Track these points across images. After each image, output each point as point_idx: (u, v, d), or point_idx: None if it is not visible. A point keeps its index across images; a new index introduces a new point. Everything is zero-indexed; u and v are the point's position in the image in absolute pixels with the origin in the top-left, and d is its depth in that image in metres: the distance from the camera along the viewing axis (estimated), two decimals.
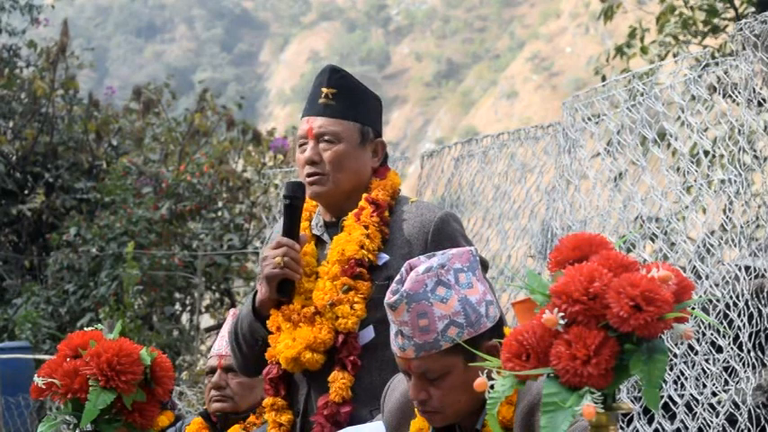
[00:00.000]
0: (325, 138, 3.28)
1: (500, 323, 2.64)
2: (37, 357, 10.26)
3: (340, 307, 3.19)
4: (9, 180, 13.83)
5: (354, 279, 3.21)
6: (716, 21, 10.00)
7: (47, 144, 14.01)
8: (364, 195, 3.30)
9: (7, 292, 13.28)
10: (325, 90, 3.31)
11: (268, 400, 3.33)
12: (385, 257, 3.24)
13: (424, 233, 3.24)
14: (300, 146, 3.34)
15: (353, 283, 3.20)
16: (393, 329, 2.61)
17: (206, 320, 13.21)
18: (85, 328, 3.18)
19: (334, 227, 3.34)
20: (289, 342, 3.22)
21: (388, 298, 2.60)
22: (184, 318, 12.99)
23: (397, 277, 2.63)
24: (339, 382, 3.18)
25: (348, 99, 3.31)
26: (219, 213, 12.91)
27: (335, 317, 3.20)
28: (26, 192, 13.99)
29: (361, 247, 3.21)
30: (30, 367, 9.86)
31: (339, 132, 3.28)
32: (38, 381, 3.01)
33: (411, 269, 2.63)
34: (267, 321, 3.30)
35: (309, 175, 3.29)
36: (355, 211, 3.28)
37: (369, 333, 3.22)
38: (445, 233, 3.24)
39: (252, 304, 3.34)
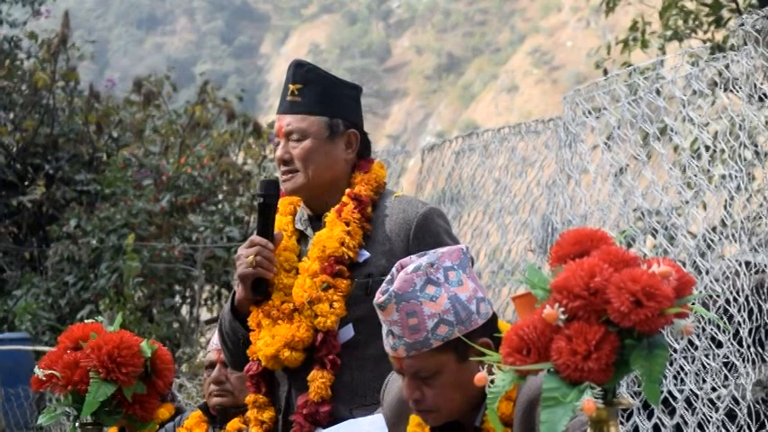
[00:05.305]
0: (293, 135, 3.29)
1: (493, 319, 2.62)
2: (37, 349, 10.28)
3: (319, 305, 3.17)
4: (9, 171, 13.83)
5: (334, 277, 3.18)
6: (720, 12, 9.99)
7: (47, 135, 14.01)
8: (347, 191, 3.27)
9: (7, 283, 13.29)
10: (291, 87, 3.31)
11: (250, 397, 3.32)
12: (366, 254, 3.21)
13: (405, 230, 3.21)
14: (276, 144, 3.37)
15: (333, 280, 3.17)
16: (384, 329, 2.60)
17: (206, 313, 13.23)
18: (85, 320, 3.19)
19: (317, 221, 3.32)
20: (268, 339, 3.20)
21: (377, 298, 2.59)
22: (184, 310, 13.00)
23: (388, 277, 2.61)
24: (318, 381, 3.16)
25: (314, 93, 3.29)
26: (220, 206, 12.93)
27: (314, 315, 3.17)
28: (26, 183, 13.98)
29: (342, 245, 3.19)
30: (29, 358, 9.89)
31: (305, 129, 3.27)
32: (38, 372, 3.02)
33: (402, 268, 2.61)
34: (247, 319, 3.29)
35: (283, 173, 3.31)
36: (337, 206, 3.26)
37: (348, 331, 3.19)
38: (428, 230, 3.21)
39: (231, 303, 3.33)
